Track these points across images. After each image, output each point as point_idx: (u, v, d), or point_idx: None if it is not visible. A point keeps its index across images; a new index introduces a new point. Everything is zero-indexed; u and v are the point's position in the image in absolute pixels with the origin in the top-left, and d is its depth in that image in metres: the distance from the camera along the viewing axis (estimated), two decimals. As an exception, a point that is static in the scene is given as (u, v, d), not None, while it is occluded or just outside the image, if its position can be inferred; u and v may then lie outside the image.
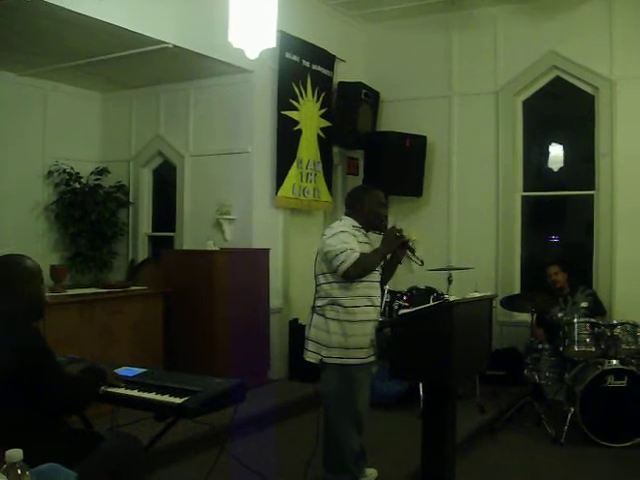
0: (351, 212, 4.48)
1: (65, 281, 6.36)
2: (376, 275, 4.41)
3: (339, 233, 4.27)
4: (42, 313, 3.26)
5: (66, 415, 3.25)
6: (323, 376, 4.35)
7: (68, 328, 5.36)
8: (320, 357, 4.27)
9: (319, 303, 4.34)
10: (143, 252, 8.22)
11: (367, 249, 4.37)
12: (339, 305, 4.26)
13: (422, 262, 4.46)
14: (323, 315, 4.30)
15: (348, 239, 4.25)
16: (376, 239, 4.53)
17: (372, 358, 4.34)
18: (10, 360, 2.85)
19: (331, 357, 4.25)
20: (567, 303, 6.76)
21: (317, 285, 4.38)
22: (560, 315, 6.60)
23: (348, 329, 4.23)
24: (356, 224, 4.42)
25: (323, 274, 4.33)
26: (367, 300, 4.32)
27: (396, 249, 4.44)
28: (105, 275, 7.93)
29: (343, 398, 4.28)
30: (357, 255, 4.17)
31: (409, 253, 4.48)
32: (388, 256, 4.51)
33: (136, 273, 7.68)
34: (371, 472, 4.67)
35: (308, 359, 4.34)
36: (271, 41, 4.53)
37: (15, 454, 1.83)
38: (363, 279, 4.29)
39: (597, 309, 6.75)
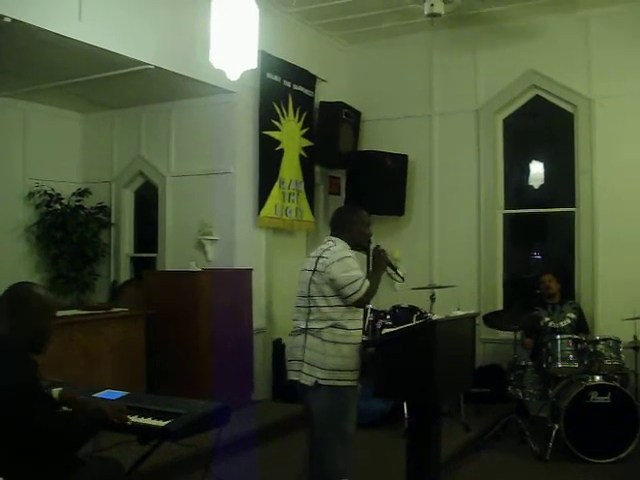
0: (338, 233, 4.45)
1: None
2: None
3: (345, 259, 4.25)
4: (40, 348, 3.14)
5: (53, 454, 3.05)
6: (315, 397, 4.24)
7: (49, 350, 5.28)
8: (315, 379, 4.19)
9: (316, 325, 4.23)
10: (125, 273, 8.16)
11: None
12: (340, 328, 4.21)
13: (403, 278, 4.60)
14: (320, 337, 4.21)
15: (354, 265, 4.26)
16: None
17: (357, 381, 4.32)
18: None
19: (327, 379, 4.17)
20: (555, 311, 6.86)
21: (312, 306, 4.27)
22: (547, 320, 6.72)
23: (345, 351, 4.20)
24: (346, 245, 4.39)
25: (324, 297, 4.24)
26: (360, 323, 4.35)
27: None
28: (87, 297, 7.85)
29: (336, 418, 4.23)
30: (368, 283, 4.22)
31: (391, 271, 4.56)
32: None
33: (118, 294, 7.63)
34: None
35: (303, 381, 4.23)
36: (252, 62, 4.55)
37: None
38: None
39: (582, 325, 6.85)
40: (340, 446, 4.27)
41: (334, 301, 4.23)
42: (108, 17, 5.65)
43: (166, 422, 3.23)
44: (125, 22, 5.82)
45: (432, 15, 6.62)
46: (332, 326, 4.21)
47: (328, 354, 4.18)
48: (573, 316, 6.85)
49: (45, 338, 3.14)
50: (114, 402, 3.46)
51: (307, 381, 4.21)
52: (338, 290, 4.20)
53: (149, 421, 3.28)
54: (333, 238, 4.44)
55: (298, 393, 4.33)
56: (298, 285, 4.40)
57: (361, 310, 4.36)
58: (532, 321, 6.70)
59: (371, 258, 4.51)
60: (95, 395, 3.66)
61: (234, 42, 4.40)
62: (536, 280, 7.22)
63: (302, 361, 4.24)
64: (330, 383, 4.18)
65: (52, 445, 2.95)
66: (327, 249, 4.34)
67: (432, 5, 6.50)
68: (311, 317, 4.26)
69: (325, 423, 4.24)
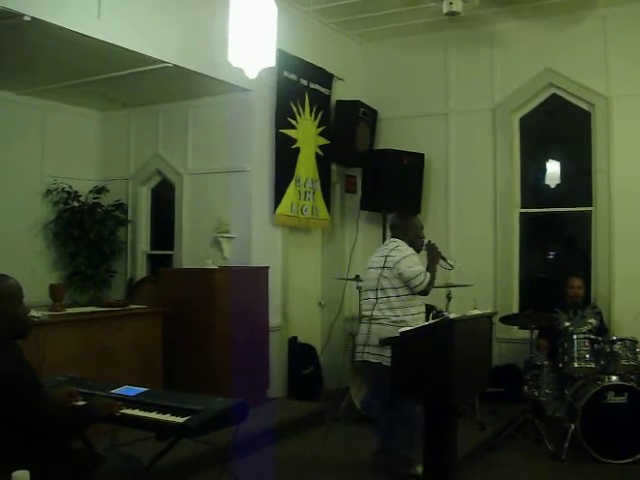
0: (398, 234, 5.40)
1: (64, 300, 6.33)
2: None
3: (410, 256, 5.21)
4: (23, 333, 3.19)
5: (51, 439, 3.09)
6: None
7: (67, 347, 5.34)
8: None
9: (389, 314, 5.13)
10: (141, 270, 8.19)
11: None
12: (409, 314, 5.11)
13: (453, 266, 5.48)
14: (395, 324, 4.99)
15: (417, 260, 5.23)
16: None
17: None
18: None
19: None
20: (576, 315, 6.80)
21: (383, 297, 5.17)
22: (567, 325, 6.62)
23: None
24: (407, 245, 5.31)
25: (394, 288, 5.17)
26: (422, 307, 5.34)
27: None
28: (103, 294, 7.90)
29: None
30: (429, 276, 5.17)
31: (442, 261, 5.43)
32: None
33: (134, 292, 7.67)
34: None
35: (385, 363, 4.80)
36: (270, 60, 4.54)
37: (22, 476, 1.82)
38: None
39: (601, 332, 6.73)
40: None
41: (402, 291, 5.16)
42: (127, 15, 5.67)
43: (185, 418, 3.25)
44: (144, 20, 5.85)
45: (451, 13, 6.60)
46: (404, 314, 5.11)
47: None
48: (594, 322, 6.69)
49: (23, 323, 3.18)
50: (106, 399, 3.52)
51: (386, 362, 4.76)
52: (405, 282, 5.12)
53: (167, 417, 3.30)
54: (396, 239, 5.36)
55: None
56: (365, 281, 5.47)
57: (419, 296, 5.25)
58: (551, 323, 6.64)
59: (426, 253, 5.41)
60: (114, 391, 3.69)
61: (252, 40, 4.39)
62: (557, 280, 7.14)
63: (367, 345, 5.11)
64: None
65: (42, 430, 2.96)
66: (394, 248, 5.25)
67: (451, 3, 6.48)
68: (384, 307, 5.17)
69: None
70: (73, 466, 3.00)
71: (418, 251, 5.38)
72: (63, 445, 3.12)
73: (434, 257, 5.36)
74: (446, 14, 6.64)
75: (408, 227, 5.44)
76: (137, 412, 3.40)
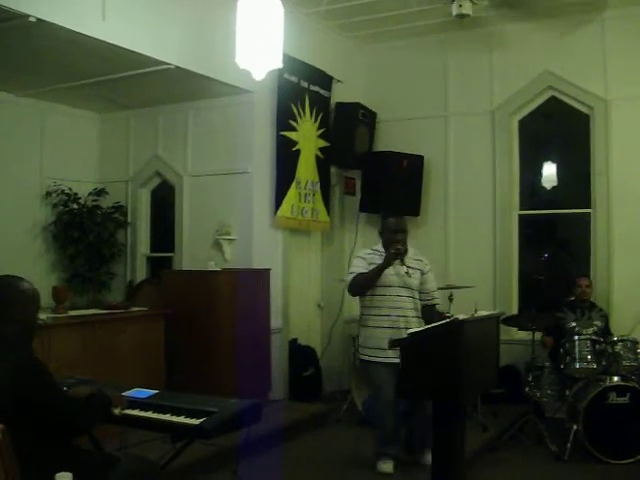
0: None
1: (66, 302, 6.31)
2: (389, 290, 5.36)
3: (354, 258, 5.63)
4: (33, 336, 3.17)
5: (72, 435, 3.13)
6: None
7: (71, 349, 5.33)
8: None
9: (361, 313, 5.54)
10: (141, 273, 8.17)
11: None
12: (368, 315, 5.41)
13: (408, 273, 5.26)
14: (360, 323, 5.52)
15: (358, 263, 5.43)
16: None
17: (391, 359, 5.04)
18: (9, 381, 2.82)
19: (362, 354, 5.52)
20: (583, 315, 6.82)
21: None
22: (573, 325, 6.63)
23: (363, 333, 5.47)
24: (381, 248, 5.45)
25: None
26: (378, 310, 5.36)
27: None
28: (103, 296, 7.88)
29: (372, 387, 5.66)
30: (352, 276, 5.36)
31: (402, 267, 5.27)
32: None
33: (134, 294, 7.65)
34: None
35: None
36: (277, 62, 4.57)
37: (65, 477, 1.82)
38: (375, 294, 5.35)
39: (605, 334, 6.72)
40: None
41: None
42: (131, 16, 5.68)
43: (200, 420, 3.23)
44: (147, 22, 5.86)
45: (460, 16, 6.65)
46: (361, 314, 5.53)
47: (360, 335, 5.51)
48: (600, 324, 6.75)
49: (32, 329, 3.16)
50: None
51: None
52: None
53: (182, 419, 3.28)
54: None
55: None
56: None
57: (382, 299, 5.34)
58: (556, 323, 6.67)
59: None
60: (124, 393, 3.67)
61: (260, 42, 4.41)
62: (555, 282, 7.16)
63: None
64: (362, 357, 5.53)
65: (67, 423, 2.97)
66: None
67: (460, 6, 6.52)
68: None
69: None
70: (90, 468, 2.99)
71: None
72: (79, 447, 3.12)
73: (385, 259, 5.28)
74: (456, 16, 6.68)
75: (381, 229, 5.60)
76: (151, 414, 3.38)
